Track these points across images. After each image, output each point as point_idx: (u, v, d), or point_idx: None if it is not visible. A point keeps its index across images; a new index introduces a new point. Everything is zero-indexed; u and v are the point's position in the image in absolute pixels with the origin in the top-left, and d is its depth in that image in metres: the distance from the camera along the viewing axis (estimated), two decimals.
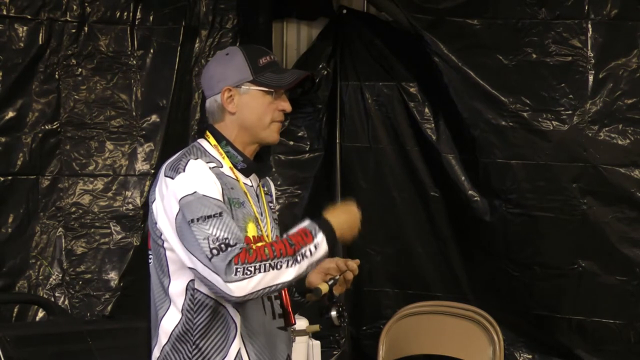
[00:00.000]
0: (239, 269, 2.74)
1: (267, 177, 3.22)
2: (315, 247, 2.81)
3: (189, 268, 2.85)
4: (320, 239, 2.82)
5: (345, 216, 2.94)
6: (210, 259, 2.76)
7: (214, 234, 2.77)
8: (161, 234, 2.91)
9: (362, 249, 5.76)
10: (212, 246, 2.76)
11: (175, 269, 2.91)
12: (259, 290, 2.77)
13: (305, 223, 2.87)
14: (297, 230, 2.85)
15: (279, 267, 2.76)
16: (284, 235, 2.85)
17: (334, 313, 2.99)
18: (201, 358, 2.90)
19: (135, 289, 5.30)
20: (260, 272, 2.74)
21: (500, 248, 5.51)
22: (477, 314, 5.11)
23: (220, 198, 2.87)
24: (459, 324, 5.13)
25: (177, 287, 2.91)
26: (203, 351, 2.90)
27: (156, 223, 2.93)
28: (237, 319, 2.91)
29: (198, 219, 2.80)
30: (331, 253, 2.88)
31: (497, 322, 5.04)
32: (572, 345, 5.40)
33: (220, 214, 2.81)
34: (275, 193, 3.39)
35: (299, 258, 2.78)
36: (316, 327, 3.28)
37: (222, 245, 2.76)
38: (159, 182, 2.94)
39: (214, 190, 2.87)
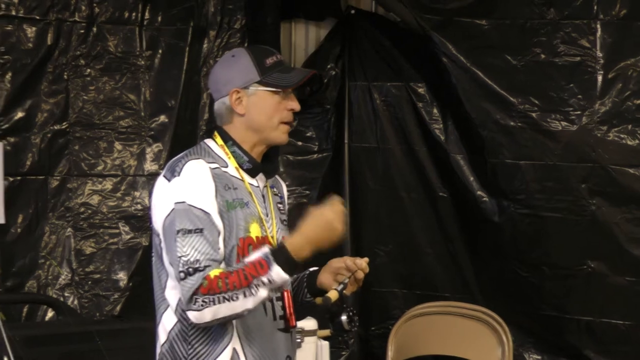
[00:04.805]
0: (198, 299, 2.78)
1: (279, 178, 3.22)
2: (269, 280, 2.80)
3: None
4: (275, 270, 2.80)
5: (312, 226, 2.87)
6: (179, 280, 2.82)
7: (187, 253, 2.81)
8: (158, 234, 2.93)
9: (370, 250, 5.77)
10: (181, 269, 2.81)
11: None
12: (218, 319, 2.82)
13: (261, 252, 2.84)
14: (254, 258, 2.83)
15: (234, 298, 2.79)
16: (241, 264, 2.84)
17: (344, 317, 2.98)
18: (196, 358, 2.90)
19: (144, 289, 5.23)
20: (215, 304, 2.78)
21: (508, 249, 5.50)
22: (485, 315, 5.11)
23: (210, 204, 2.86)
24: (468, 325, 5.13)
25: (173, 286, 2.92)
26: (199, 351, 2.90)
27: (152, 222, 2.95)
28: None
29: (179, 232, 2.83)
30: (295, 274, 2.87)
31: (506, 323, 5.05)
32: (581, 346, 5.39)
33: (201, 230, 2.83)
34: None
35: (253, 290, 2.79)
36: (327, 332, 3.28)
37: (191, 269, 2.80)
38: (157, 181, 2.96)
39: (205, 197, 2.86)
